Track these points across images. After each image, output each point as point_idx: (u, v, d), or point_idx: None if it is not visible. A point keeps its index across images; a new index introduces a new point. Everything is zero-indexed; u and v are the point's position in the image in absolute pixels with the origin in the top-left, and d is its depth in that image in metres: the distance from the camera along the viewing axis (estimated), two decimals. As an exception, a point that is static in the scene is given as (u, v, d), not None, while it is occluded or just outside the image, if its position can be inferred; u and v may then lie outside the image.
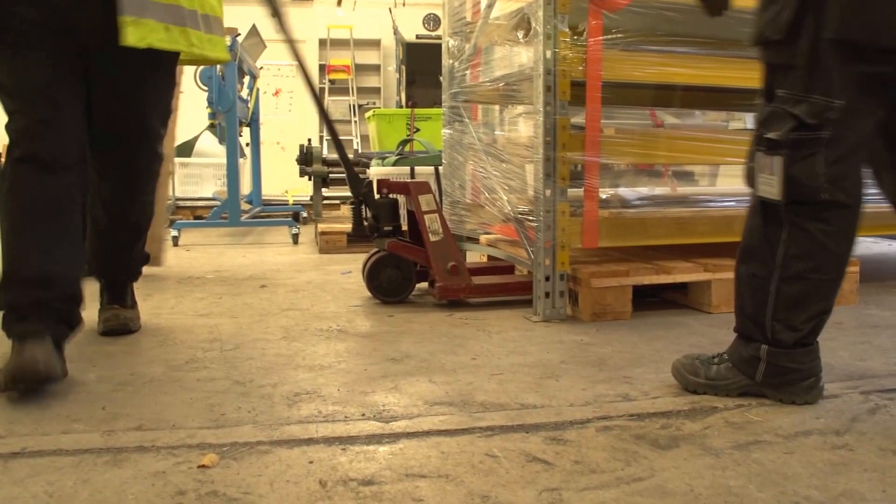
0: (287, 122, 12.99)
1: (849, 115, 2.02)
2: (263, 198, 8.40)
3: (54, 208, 2.39)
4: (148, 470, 1.71)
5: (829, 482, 1.66)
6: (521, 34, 3.43)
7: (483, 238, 4.21)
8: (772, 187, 2.08)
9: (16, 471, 1.70)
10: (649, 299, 3.57)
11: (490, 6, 3.79)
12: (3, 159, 2.49)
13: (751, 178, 2.17)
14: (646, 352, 2.73)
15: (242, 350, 2.75)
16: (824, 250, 2.10)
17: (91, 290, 2.68)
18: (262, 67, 9.05)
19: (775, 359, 2.15)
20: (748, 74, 3.37)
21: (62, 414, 2.06)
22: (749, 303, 2.21)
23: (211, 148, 9.22)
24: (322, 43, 13.19)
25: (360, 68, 13.37)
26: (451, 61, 4.22)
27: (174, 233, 6.29)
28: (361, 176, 4.30)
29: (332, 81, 13.09)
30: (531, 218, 3.30)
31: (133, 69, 2.62)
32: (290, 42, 3.27)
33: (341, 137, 3.67)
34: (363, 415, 2.07)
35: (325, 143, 11.70)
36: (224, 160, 7.03)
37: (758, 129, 2.14)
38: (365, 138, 11.95)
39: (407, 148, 5.67)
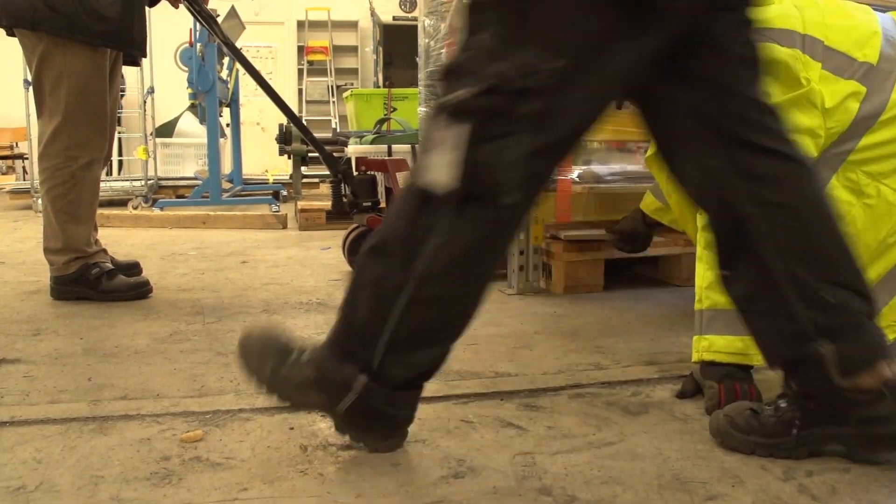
0: (266, 102, 12.83)
1: (579, 84, 1.46)
2: (244, 177, 8.41)
3: None
4: (133, 437, 1.74)
5: (792, 443, 1.71)
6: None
7: (460, 214, 4.25)
8: (444, 170, 1.45)
9: (5, 439, 1.73)
10: (622, 273, 3.62)
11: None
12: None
13: (421, 154, 1.54)
14: (617, 323, 2.78)
15: (224, 323, 2.79)
16: (478, 268, 1.57)
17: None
18: (241, 48, 9.04)
19: (370, 398, 1.59)
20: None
21: (49, 385, 2.09)
22: (364, 312, 1.58)
23: (192, 128, 9.24)
24: (300, 25, 13.11)
25: (338, 49, 13.31)
26: (427, 40, 4.24)
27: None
28: (340, 154, 4.36)
29: (310, 63, 13.03)
30: (506, 194, 3.32)
31: None
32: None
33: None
34: (342, 383, 2.10)
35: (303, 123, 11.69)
36: (205, 140, 7.05)
37: (440, 88, 1.52)
38: (343, 118, 11.91)
39: (384, 127, 5.70)
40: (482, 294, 1.59)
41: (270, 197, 7.29)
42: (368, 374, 1.57)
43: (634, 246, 3.06)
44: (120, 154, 9.59)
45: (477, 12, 1.47)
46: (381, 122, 5.70)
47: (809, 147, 2.05)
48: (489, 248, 1.54)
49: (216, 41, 6.36)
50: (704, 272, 2.06)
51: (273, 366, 1.64)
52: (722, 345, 1.97)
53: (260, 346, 1.68)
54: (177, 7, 3.31)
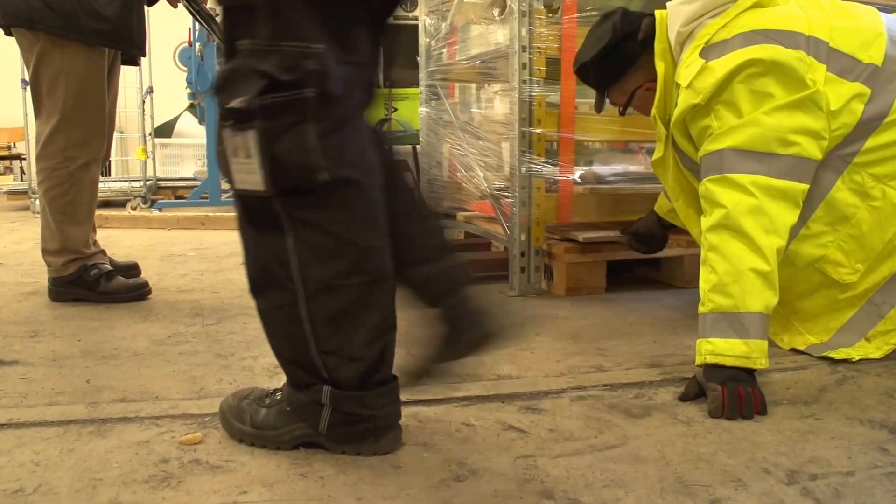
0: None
1: (342, 63, 1.52)
2: (243, 178, 8.38)
3: None
4: (132, 439, 1.73)
5: (797, 449, 1.69)
6: (496, 12, 3.46)
7: (460, 215, 4.24)
8: (252, 175, 1.50)
9: (2, 441, 1.72)
10: (624, 275, 3.61)
11: (466, -15, 3.81)
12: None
13: (225, 168, 1.56)
14: (619, 325, 2.77)
15: (224, 324, 2.77)
16: (347, 244, 1.56)
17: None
18: (240, 47, 9.04)
19: (342, 405, 1.62)
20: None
21: (47, 387, 2.08)
22: (285, 344, 1.66)
23: (191, 128, 9.22)
24: (300, 23, 13.11)
25: (339, 49, 13.31)
26: (427, 40, 4.23)
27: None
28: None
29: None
30: (507, 194, 3.32)
31: None
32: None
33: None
34: (342, 385, 2.09)
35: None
36: (204, 140, 7.04)
37: (219, 99, 1.53)
38: (344, 118, 11.90)
39: (385, 127, 5.69)
40: (372, 257, 1.61)
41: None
42: (328, 384, 1.62)
43: (650, 247, 3.04)
44: (118, 154, 9.57)
45: (234, 16, 1.53)
46: (382, 122, 5.69)
47: (814, 149, 2.04)
48: (344, 221, 1.56)
49: (215, 41, 6.36)
50: (708, 275, 2.05)
51: (251, 414, 1.72)
52: (725, 348, 1.96)
53: (236, 403, 1.76)
54: (175, 6, 3.30)
